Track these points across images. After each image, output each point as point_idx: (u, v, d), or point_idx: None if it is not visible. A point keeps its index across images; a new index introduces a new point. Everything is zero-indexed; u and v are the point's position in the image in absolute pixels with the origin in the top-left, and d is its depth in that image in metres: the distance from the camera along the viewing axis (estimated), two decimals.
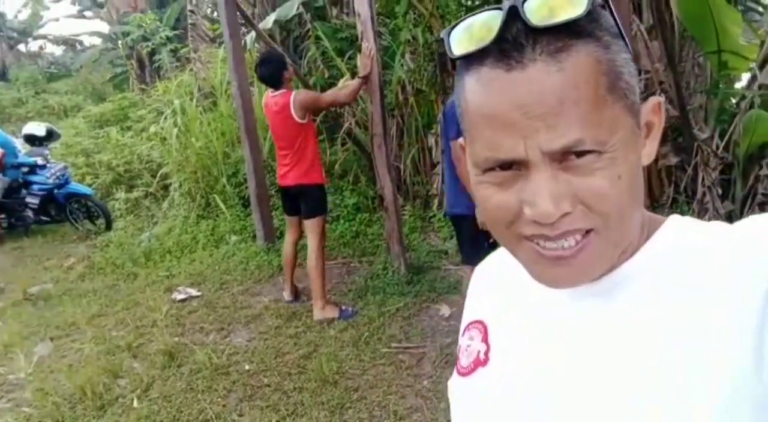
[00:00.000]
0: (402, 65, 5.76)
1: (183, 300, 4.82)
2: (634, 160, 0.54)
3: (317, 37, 6.52)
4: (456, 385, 0.73)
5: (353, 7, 7.36)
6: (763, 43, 4.05)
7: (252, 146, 5.31)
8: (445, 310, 4.17)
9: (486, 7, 0.54)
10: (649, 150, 0.59)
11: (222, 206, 6.35)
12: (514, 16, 0.51)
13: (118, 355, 4.03)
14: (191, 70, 7.98)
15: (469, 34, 0.53)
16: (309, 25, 6.94)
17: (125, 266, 5.81)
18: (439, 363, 3.53)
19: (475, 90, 0.54)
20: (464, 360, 0.72)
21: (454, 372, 0.75)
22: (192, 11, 7.73)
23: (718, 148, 4.02)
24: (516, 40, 0.51)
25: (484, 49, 0.52)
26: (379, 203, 4.77)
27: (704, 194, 3.86)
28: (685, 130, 3.89)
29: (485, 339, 0.71)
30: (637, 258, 0.59)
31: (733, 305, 0.51)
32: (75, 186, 7.40)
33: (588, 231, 0.54)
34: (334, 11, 7.63)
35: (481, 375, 0.69)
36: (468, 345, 0.73)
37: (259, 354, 3.83)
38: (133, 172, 8.37)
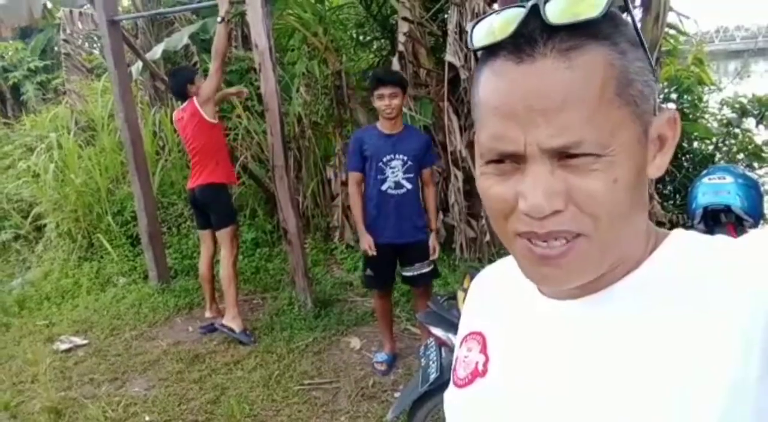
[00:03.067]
0: (298, 99, 5.74)
1: (67, 350, 4.39)
2: (634, 167, 0.54)
3: (205, 70, 6.35)
4: (453, 397, 0.72)
5: (241, 41, 7.34)
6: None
7: (142, 180, 5.02)
8: (356, 342, 4.12)
9: (514, 4, 0.55)
10: (660, 163, 0.59)
11: (108, 246, 5.92)
12: (534, 14, 0.52)
13: None
14: (66, 102, 7.45)
15: (490, 28, 0.55)
16: (197, 57, 6.78)
17: None
18: (355, 398, 3.46)
19: (487, 82, 0.55)
20: (461, 372, 0.72)
21: (451, 383, 0.74)
22: (66, 40, 7.25)
23: None
24: (531, 36, 0.52)
25: (500, 43, 0.53)
26: (283, 236, 4.66)
27: None
28: None
29: (484, 350, 0.70)
30: (640, 271, 0.59)
31: (737, 319, 0.51)
32: None
33: (577, 235, 0.54)
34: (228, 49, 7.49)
35: (479, 386, 0.68)
36: (465, 356, 0.72)
37: (160, 403, 3.56)
38: None
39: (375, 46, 6.36)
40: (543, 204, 0.52)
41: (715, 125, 5.98)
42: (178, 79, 4.32)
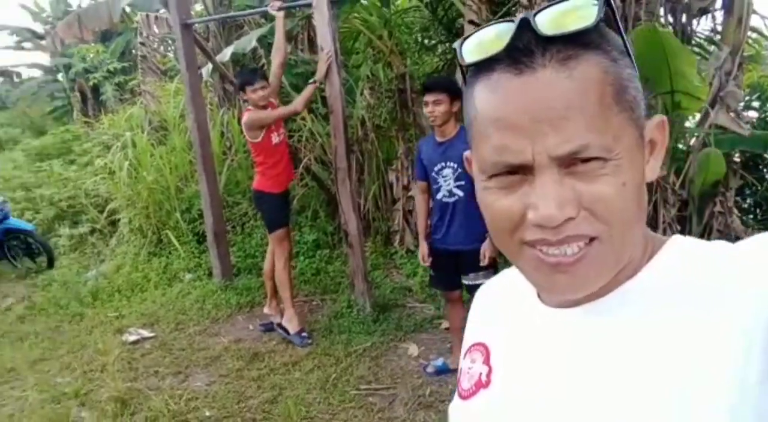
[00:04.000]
0: (361, 102, 5.76)
1: (135, 342, 4.56)
2: (638, 171, 0.55)
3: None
4: (457, 408, 0.72)
5: (307, 44, 7.44)
6: (711, 84, 4.24)
7: (209, 179, 5.16)
8: (414, 349, 4.08)
9: (498, 20, 0.56)
10: (653, 166, 0.60)
11: (175, 242, 6.12)
12: (525, 27, 0.53)
13: (65, 403, 3.76)
14: (141, 103, 7.76)
15: (481, 43, 0.55)
16: (264, 60, 6.92)
17: (70, 306, 5.48)
18: (412, 406, 3.42)
19: (484, 95, 0.55)
20: (465, 383, 0.72)
21: (455, 395, 0.74)
22: (143, 43, 7.56)
23: (674, 185, 4.14)
24: (527, 48, 0.53)
25: (495, 57, 0.54)
26: (344, 239, 4.68)
27: (664, 230, 3.95)
28: None
29: (487, 361, 0.70)
30: (640, 277, 0.59)
31: (739, 322, 0.51)
32: (14, 222, 7.00)
33: (592, 240, 0.54)
34: (289, 47, 7.62)
35: (483, 397, 0.68)
36: (469, 368, 0.72)
37: (220, 399, 3.63)
38: (77, 207, 8.00)
39: (440, 50, 6.31)
40: (555, 213, 0.52)
41: None
42: (240, 79, 4.41)
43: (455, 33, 5.57)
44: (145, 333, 4.68)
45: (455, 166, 3.28)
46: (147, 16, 7.29)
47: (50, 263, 6.78)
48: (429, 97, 3.25)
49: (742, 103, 5.25)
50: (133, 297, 5.56)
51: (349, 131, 5.95)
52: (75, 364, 4.29)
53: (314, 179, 6.21)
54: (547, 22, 0.52)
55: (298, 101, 4.34)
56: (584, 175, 0.52)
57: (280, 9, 4.45)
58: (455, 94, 3.28)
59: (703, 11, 4.64)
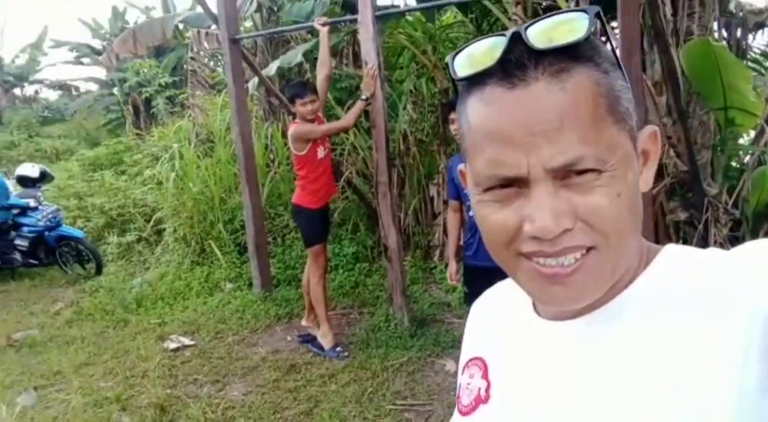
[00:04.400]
0: (404, 116, 5.77)
1: (176, 350, 4.63)
2: (632, 181, 0.56)
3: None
4: None
5: (352, 58, 7.53)
6: (767, 100, 4.09)
7: (252, 191, 5.23)
8: (451, 366, 4.02)
9: (491, 34, 0.57)
10: (646, 177, 0.60)
11: (218, 252, 6.22)
12: (516, 41, 0.53)
13: (106, 407, 3.83)
14: (189, 116, 7.97)
15: (473, 57, 0.56)
16: (309, 74, 7.03)
17: (115, 312, 5.62)
18: None
19: (477, 109, 0.56)
20: (465, 399, 0.71)
21: (455, 411, 0.73)
22: (193, 58, 7.77)
23: (727, 204, 3.99)
24: (519, 61, 0.53)
25: (487, 70, 0.54)
26: (383, 253, 4.67)
27: (717, 247, 3.81)
28: (694, 185, 3.87)
29: (485, 376, 0.70)
30: (636, 286, 0.59)
31: (736, 327, 0.51)
32: (66, 229, 7.24)
33: (589, 249, 0.54)
34: (334, 62, 7.72)
35: (483, 413, 0.68)
36: (468, 383, 0.72)
37: (256, 410, 3.64)
38: (126, 216, 8.23)
39: None
40: (551, 225, 0.52)
41: None
42: (289, 90, 4.47)
43: None
44: (186, 341, 4.75)
45: None
46: (198, 32, 7.49)
47: (99, 270, 6.98)
48: (454, 115, 3.26)
49: None
50: (176, 305, 5.66)
51: (391, 145, 5.97)
52: (118, 369, 4.38)
53: (355, 192, 6.23)
54: (538, 35, 0.53)
55: (349, 117, 4.35)
56: (579, 187, 0.53)
57: (325, 24, 4.52)
58: None
59: (760, 25, 4.50)
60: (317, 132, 4.25)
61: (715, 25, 4.34)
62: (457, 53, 0.58)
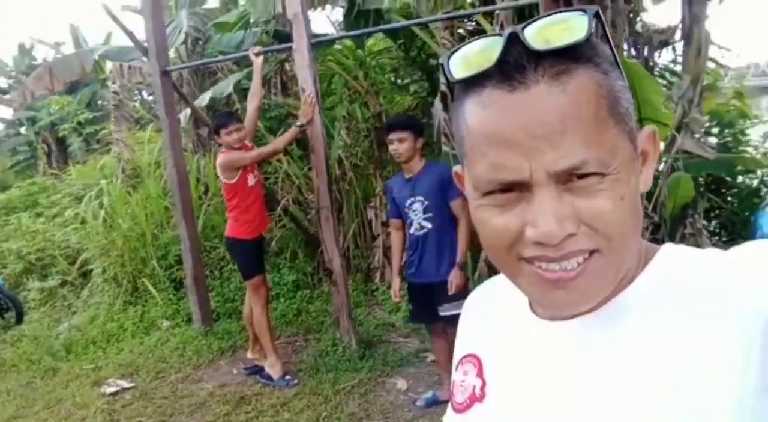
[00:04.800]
0: (338, 142, 5.84)
1: (114, 393, 4.41)
2: (634, 184, 0.55)
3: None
4: None
5: (280, 87, 7.57)
6: (675, 112, 4.44)
7: (188, 223, 5.12)
8: (402, 384, 4.04)
9: (485, 35, 0.55)
10: (645, 177, 0.60)
11: (152, 289, 6.01)
12: (514, 41, 0.52)
13: None
14: (114, 152, 7.72)
15: (469, 58, 0.54)
16: (237, 105, 7.01)
17: (42, 361, 5.30)
18: None
19: (476, 112, 0.54)
20: (459, 396, 0.70)
21: (449, 408, 0.72)
22: (116, 92, 7.57)
23: (647, 209, 4.27)
24: (518, 63, 0.52)
25: (485, 72, 0.53)
26: (328, 277, 4.67)
27: None
28: None
29: (480, 374, 0.69)
30: (635, 286, 0.59)
31: (736, 328, 0.51)
32: None
33: (591, 253, 0.53)
34: (263, 91, 7.73)
35: (477, 411, 0.67)
36: (462, 380, 0.71)
37: None
38: (46, 260, 7.80)
39: (412, 89, 6.48)
40: (555, 230, 0.51)
41: (759, 158, 5.86)
42: (215, 121, 4.36)
43: (429, 72, 5.73)
44: (125, 384, 4.54)
45: (422, 199, 3.36)
46: (120, 65, 7.32)
47: (19, 318, 6.56)
48: (393, 136, 3.37)
49: (702, 130, 5.49)
50: (109, 348, 5.40)
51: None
52: (51, 420, 4.12)
53: (292, 220, 6.21)
54: (536, 36, 0.52)
55: (279, 142, 4.39)
56: (582, 191, 0.52)
57: (259, 54, 4.55)
58: (418, 131, 3.43)
59: (664, 43, 4.89)
60: (246, 159, 4.24)
61: (625, 45, 4.68)
62: (452, 54, 0.57)
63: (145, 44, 4.87)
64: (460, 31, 4.79)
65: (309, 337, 5.08)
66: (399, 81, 6.55)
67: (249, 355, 4.59)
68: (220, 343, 5.04)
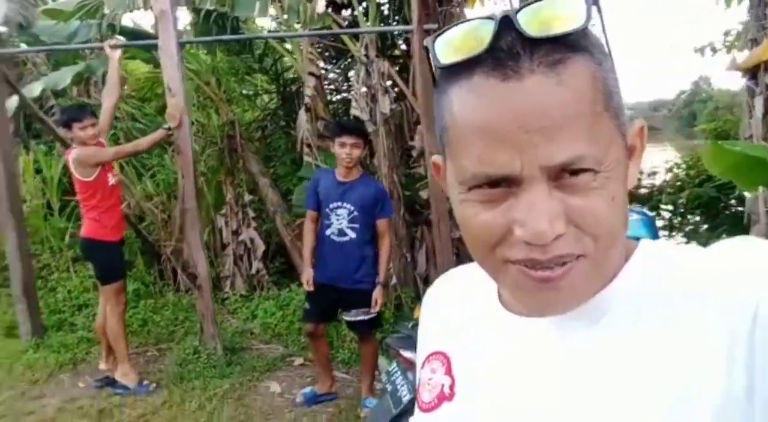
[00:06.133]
0: None
1: None
2: (624, 181, 0.53)
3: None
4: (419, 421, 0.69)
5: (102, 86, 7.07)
6: None
7: (18, 227, 4.61)
8: (275, 387, 4.11)
9: (475, 18, 0.52)
10: (632, 173, 0.57)
11: None
12: (506, 26, 0.49)
13: None
14: None
15: (456, 42, 0.51)
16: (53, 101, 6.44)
17: None
18: None
19: (465, 101, 0.51)
20: (426, 395, 0.67)
21: (416, 408, 0.70)
22: None
23: None
24: (512, 50, 0.48)
25: (475, 58, 0.49)
26: (191, 283, 4.55)
27: None
28: None
29: (449, 372, 0.66)
30: (616, 283, 0.56)
31: (719, 328, 0.50)
32: None
33: (578, 257, 0.51)
34: (75, 90, 7.13)
35: (446, 410, 0.65)
36: (429, 378, 0.68)
37: None
38: None
39: (261, 100, 6.55)
40: (546, 229, 0.48)
41: None
42: (65, 114, 4.12)
43: (283, 84, 5.88)
44: None
45: (351, 208, 3.44)
46: None
47: None
48: (348, 140, 3.37)
49: None
50: None
51: (171, 179, 5.84)
52: None
53: (131, 226, 5.86)
54: (531, 22, 0.48)
55: (143, 142, 4.23)
56: (574, 188, 0.49)
57: (115, 47, 4.33)
58: (367, 140, 3.58)
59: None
60: (106, 154, 4.05)
61: None
62: (437, 36, 0.53)
63: None
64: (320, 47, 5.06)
65: (161, 347, 4.87)
66: (245, 91, 6.57)
67: (102, 366, 4.30)
68: (56, 357, 4.59)
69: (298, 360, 4.51)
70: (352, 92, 4.79)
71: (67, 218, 6.08)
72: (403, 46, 5.34)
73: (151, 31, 5.24)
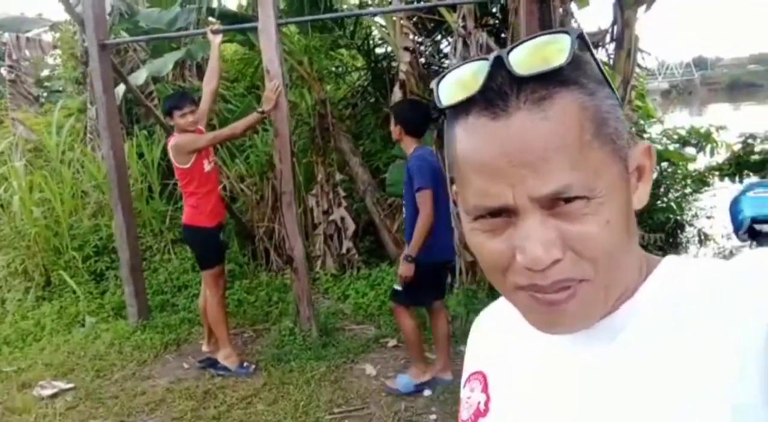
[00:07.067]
0: None
1: (53, 396, 4.02)
2: (623, 204, 0.55)
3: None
4: None
5: (195, 70, 7.23)
6: None
7: (125, 209, 4.76)
8: (370, 369, 4.06)
9: (475, 58, 0.55)
10: (642, 193, 0.59)
11: (72, 283, 5.51)
12: (499, 66, 0.52)
13: None
14: (12, 132, 6.95)
15: (455, 84, 0.55)
16: (152, 87, 6.61)
17: None
18: None
19: (462, 139, 0.55)
20: (465, 413, 0.72)
21: None
22: (11, 67, 6.81)
23: None
24: (500, 90, 0.52)
25: (469, 99, 0.53)
26: (289, 264, 4.56)
27: None
28: None
29: (485, 390, 0.70)
30: (635, 300, 0.59)
31: (737, 342, 0.51)
32: None
33: (579, 281, 0.54)
34: (171, 75, 7.31)
35: None
36: (468, 397, 0.72)
37: None
38: None
39: (355, 77, 6.45)
40: (542, 256, 0.51)
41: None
42: (168, 102, 4.16)
43: (375, 60, 5.74)
44: (62, 385, 4.14)
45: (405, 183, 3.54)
46: (17, 37, 6.60)
47: None
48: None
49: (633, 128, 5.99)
50: (27, 348, 4.90)
51: (264, 158, 5.86)
52: None
53: (225, 208, 5.96)
54: (520, 61, 0.51)
55: (238, 126, 4.21)
56: (568, 215, 0.52)
57: (216, 32, 4.33)
58: (397, 118, 3.57)
59: (595, 45, 5.28)
60: (202, 141, 4.06)
61: None
62: (440, 79, 0.57)
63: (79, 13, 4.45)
64: (415, 20, 4.86)
65: (258, 328, 4.94)
66: (336, 69, 6.48)
67: (204, 348, 4.39)
68: (161, 337, 4.76)
69: (392, 342, 4.43)
70: (449, 66, 4.56)
71: (167, 201, 6.26)
72: (499, 16, 5.05)
73: (245, 13, 5.24)
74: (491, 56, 0.52)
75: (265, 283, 5.68)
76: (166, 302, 5.43)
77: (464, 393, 0.73)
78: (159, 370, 4.33)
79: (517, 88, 0.51)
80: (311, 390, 3.80)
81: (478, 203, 0.54)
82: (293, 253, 4.36)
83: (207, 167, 4.12)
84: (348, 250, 5.79)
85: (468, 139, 0.54)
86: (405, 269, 3.42)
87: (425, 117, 3.56)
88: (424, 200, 3.36)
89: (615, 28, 5.16)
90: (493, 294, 3.64)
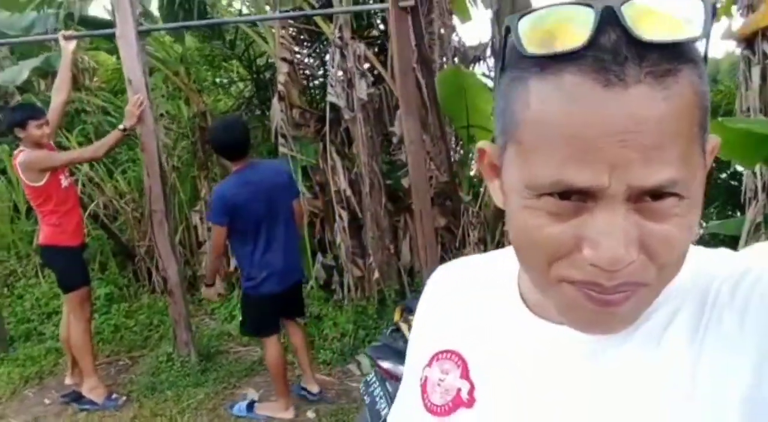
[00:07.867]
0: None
1: None
2: (700, 209, 0.49)
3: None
4: None
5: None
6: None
7: None
8: (253, 393, 3.88)
9: (567, 1, 0.45)
10: None
11: None
12: (608, 19, 0.43)
13: None
14: None
15: (547, 29, 0.44)
16: (18, 97, 6.09)
17: None
18: None
19: (552, 100, 0.45)
20: (437, 397, 0.63)
21: (420, 408, 0.65)
22: None
23: (478, 209, 4.67)
24: (617, 51, 0.43)
25: (571, 53, 0.43)
26: (162, 286, 4.29)
27: (473, 250, 4.42)
28: (453, 195, 4.45)
29: (466, 376, 0.62)
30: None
31: (750, 332, 0.48)
32: None
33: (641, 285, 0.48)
34: (43, 84, 6.80)
35: (463, 417, 0.61)
36: (441, 379, 0.63)
37: None
38: None
39: (234, 89, 6.24)
40: (623, 254, 0.44)
41: None
42: (17, 117, 3.69)
43: (256, 71, 5.57)
44: None
45: None
46: None
47: None
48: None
49: None
50: None
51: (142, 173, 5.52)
52: None
53: (102, 227, 5.58)
54: (640, 21, 0.42)
55: (101, 147, 3.86)
56: (653, 213, 0.45)
57: (69, 38, 4.01)
58: None
59: (477, 58, 5.40)
60: (58, 160, 3.77)
61: (444, 58, 5.07)
62: (522, 16, 0.45)
63: None
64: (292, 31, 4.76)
65: (134, 355, 4.61)
66: (218, 80, 6.25)
67: (68, 380, 4.04)
68: (22, 371, 4.34)
69: None
70: (328, 78, 4.48)
71: (35, 222, 5.76)
72: (381, 27, 5.04)
73: (110, 20, 4.92)
74: (599, 5, 0.43)
75: (147, 305, 5.33)
76: (32, 331, 4.99)
77: (432, 372, 0.64)
78: (15, 408, 3.94)
79: (639, 54, 0.42)
80: (187, 419, 3.57)
81: (559, 178, 0.45)
82: (167, 274, 4.10)
83: (64, 182, 3.80)
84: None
85: (563, 102, 0.44)
86: (204, 293, 3.73)
87: (241, 139, 3.29)
88: (214, 234, 3.41)
89: (493, 41, 5.29)
90: (382, 310, 3.59)
